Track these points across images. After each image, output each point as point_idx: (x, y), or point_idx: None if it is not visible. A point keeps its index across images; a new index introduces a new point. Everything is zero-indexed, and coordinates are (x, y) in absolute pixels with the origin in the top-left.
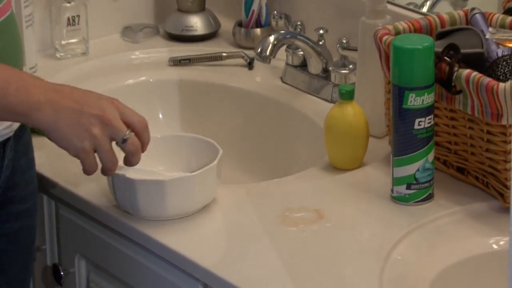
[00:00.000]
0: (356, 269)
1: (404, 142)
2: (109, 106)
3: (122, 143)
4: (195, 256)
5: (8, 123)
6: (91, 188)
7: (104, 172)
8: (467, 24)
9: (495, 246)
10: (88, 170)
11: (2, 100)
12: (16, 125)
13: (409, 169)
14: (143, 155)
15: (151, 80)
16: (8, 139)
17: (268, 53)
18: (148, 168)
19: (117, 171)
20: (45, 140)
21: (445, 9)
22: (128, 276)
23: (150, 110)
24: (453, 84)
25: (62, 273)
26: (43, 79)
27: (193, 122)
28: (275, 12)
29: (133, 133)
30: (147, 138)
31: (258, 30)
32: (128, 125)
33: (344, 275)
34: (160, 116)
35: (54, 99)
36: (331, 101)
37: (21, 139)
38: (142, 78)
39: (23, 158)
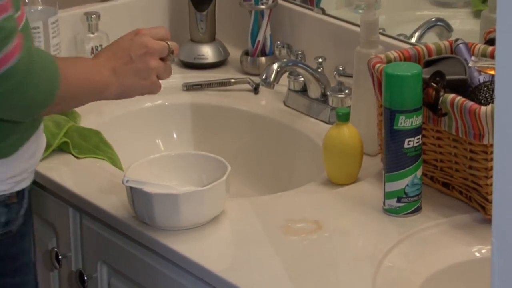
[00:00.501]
0: (351, 274)
1: (395, 159)
2: (143, 39)
3: (172, 54)
4: (206, 263)
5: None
6: (112, 201)
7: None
8: (452, 53)
9: (477, 254)
10: (156, 92)
11: (91, 86)
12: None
13: (400, 184)
14: (160, 171)
15: (166, 103)
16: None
17: (272, 79)
18: (164, 183)
19: (135, 186)
20: (71, 158)
21: (431, 40)
22: (145, 281)
23: (165, 130)
24: (439, 108)
25: (85, 277)
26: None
27: (204, 141)
28: (278, 42)
29: (169, 42)
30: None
31: (263, 59)
32: (162, 40)
33: (340, 280)
34: (175, 136)
35: (112, 67)
36: (329, 123)
37: None
38: (159, 102)
39: None
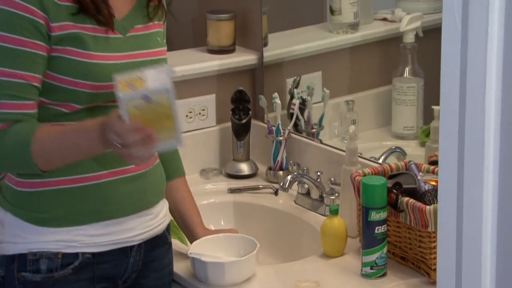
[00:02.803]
0: None
1: (369, 240)
2: (107, 131)
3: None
4: None
5: (131, 234)
6: (180, 266)
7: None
8: (406, 170)
9: None
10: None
11: (81, 153)
12: (141, 237)
13: (372, 257)
14: (212, 247)
15: (217, 201)
16: (133, 246)
17: (287, 186)
18: (214, 254)
19: (196, 256)
20: None
21: (393, 161)
22: None
23: (215, 219)
24: (398, 206)
25: None
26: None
27: (241, 227)
28: (291, 161)
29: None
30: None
31: (281, 172)
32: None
33: None
34: (222, 223)
35: (101, 139)
36: (325, 215)
37: (155, 249)
38: (211, 200)
39: (155, 262)
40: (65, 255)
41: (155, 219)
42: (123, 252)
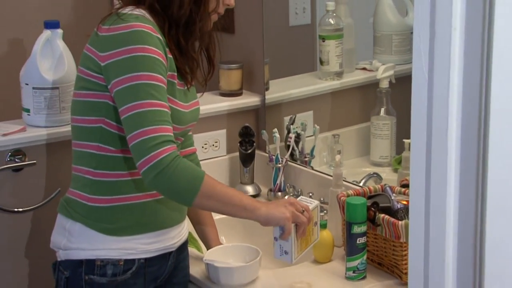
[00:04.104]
0: None
1: (351, 249)
2: (290, 199)
3: (302, 212)
4: None
5: (173, 241)
6: (196, 270)
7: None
8: (382, 191)
9: None
10: (286, 235)
11: (240, 203)
12: (178, 243)
13: (354, 263)
14: (223, 254)
15: (227, 217)
16: (172, 251)
17: None
18: (225, 260)
19: (209, 262)
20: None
21: (371, 184)
22: None
23: (227, 232)
24: (376, 221)
25: None
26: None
27: (248, 237)
28: (288, 184)
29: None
30: (307, 220)
31: (279, 193)
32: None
33: None
34: (233, 234)
35: (265, 205)
36: None
37: (182, 253)
38: (223, 216)
39: (181, 263)
40: (126, 261)
41: (184, 229)
42: (164, 257)
